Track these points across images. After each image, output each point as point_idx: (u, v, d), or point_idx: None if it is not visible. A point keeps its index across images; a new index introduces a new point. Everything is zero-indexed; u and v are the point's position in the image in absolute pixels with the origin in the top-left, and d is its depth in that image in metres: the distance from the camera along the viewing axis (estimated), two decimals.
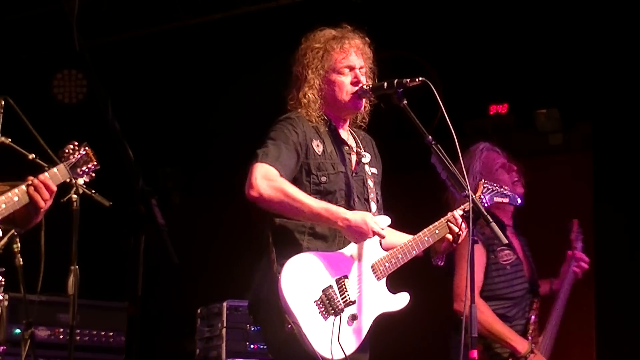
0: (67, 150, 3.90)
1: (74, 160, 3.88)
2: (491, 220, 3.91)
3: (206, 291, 7.36)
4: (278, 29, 7.14)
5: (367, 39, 4.28)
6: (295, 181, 4.07)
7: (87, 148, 3.91)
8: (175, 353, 7.47)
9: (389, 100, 4.09)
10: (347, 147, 4.23)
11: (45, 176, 3.75)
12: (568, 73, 6.98)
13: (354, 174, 4.18)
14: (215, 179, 8.41)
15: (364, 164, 4.24)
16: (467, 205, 4.00)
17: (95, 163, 3.94)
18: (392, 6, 7.39)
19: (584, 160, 7.08)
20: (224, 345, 6.34)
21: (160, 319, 7.91)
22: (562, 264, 5.47)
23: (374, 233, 3.97)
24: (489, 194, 4.40)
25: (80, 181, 3.95)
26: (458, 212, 4.13)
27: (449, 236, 4.11)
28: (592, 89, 6.92)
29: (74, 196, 5.68)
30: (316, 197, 4.05)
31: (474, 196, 3.94)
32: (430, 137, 3.99)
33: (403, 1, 7.46)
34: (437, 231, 4.14)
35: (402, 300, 4.13)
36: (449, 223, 4.13)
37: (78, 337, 6.48)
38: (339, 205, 4.07)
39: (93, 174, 3.96)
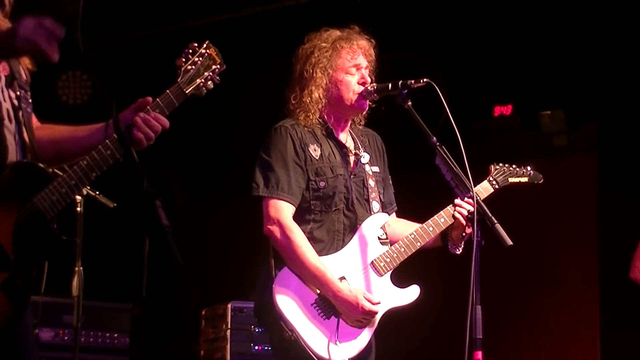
0: (183, 59, 3.26)
1: (193, 70, 3.23)
2: (496, 221, 3.89)
3: (211, 292, 7.35)
4: (283, 30, 7.13)
5: (372, 41, 4.26)
6: None
7: (210, 47, 3.27)
8: (180, 354, 7.47)
9: (393, 102, 4.08)
10: (345, 149, 4.20)
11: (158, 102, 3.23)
12: (573, 74, 6.97)
13: (352, 175, 4.16)
14: (220, 179, 8.41)
15: (363, 164, 4.21)
16: (471, 201, 3.98)
17: (219, 64, 3.23)
18: (396, 8, 7.39)
19: (589, 161, 7.07)
20: (228, 346, 6.33)
21: (165, 320, 7.90)
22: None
23: (364, 311, 3.93)
24: (501, 175, 4.32)
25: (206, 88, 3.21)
26: (460, 202, 4.05)
27: (460, 217, 4.02)
28: (597, 90, 6.92)
29: (78, 197, 5.69)
30: (316, 203, 4.06)
31: (478, 197, 3.92)
32: (434, 138, 3.98)
33: (407, 3, 7.45)
34: (442, 220, 4.10)
35: (411, 293, 4.11)
36: (453, 209, 4.07)
37: (82, 339, 6.48)
38: (339, 208, 4.08)
39: (218, 78, 3.23)
